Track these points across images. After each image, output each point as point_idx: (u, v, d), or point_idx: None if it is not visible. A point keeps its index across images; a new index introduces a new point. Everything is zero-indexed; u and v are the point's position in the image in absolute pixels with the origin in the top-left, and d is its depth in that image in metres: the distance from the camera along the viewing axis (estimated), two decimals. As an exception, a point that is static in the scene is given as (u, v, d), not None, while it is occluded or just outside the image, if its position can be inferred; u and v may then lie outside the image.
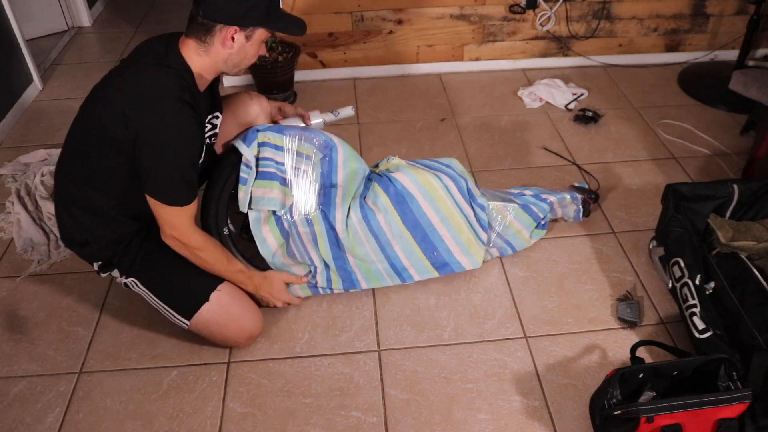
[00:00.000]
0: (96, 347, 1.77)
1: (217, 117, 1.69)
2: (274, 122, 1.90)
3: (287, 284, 1.81)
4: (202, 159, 1.61)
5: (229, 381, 1.67)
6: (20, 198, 2.26)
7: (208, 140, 1.66)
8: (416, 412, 1.59)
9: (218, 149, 1.83)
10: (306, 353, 1.74)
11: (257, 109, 1.81)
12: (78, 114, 1.58)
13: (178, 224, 1.53)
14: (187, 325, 1.67)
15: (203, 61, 1.51)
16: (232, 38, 1.48)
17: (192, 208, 1.54)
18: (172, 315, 1.67)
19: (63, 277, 2.00)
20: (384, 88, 2.98)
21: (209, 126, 1.66)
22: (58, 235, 2.13)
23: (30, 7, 3.36)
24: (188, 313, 1.65)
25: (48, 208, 2.23)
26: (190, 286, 1.66)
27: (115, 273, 1.70)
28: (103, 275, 1.73)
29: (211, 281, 1.66)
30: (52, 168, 2.41)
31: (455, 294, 1.91)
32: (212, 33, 1.47)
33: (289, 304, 1.83)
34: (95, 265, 1.71)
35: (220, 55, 1.50)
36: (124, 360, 1.74)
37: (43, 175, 2.37)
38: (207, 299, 1.64)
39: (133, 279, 1.68)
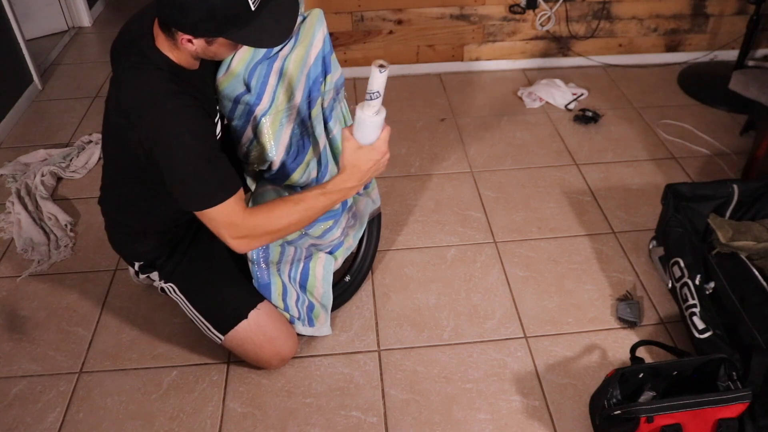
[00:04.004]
0: (96, 347, 1.77)
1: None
2: None
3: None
4: (220, 136, 1.50)
5: (229, 381, 1.67)
6: (20, 198, 2.26)
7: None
8: (416, 412, 1.59)
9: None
10: (306, 353, 1.74)
11: None
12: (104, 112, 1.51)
13: (229, 221, 1.34)
14: (221, 339, 1.62)
15: (179, 54, 1.34)
16: (191, 42, 1.29)
17: (235, 200, 1.35)
18: (207, 328, 1.62)
19: (63, 277, 2.00)
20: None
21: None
22: (58, 235, 2.13)
23: (30, 7, 3.36)
24: (224, 328, 1.59)
25: (48, 208, 2.23)
26: (229, 300, 1.60)
27: (155, 276, 1.66)
28: (141, 277, 1.68)
29: (251, 298, 1.61)
30: (53, 168, 2.41)
31: (455, 294, 1.91)
32: (172, 33, 1.29)
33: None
34: (136, 265, 1.67)
35: (189, 50, 1.32)
36: (124, 360, 1.74)
37: (43, 175, 2.37)
38: (245, 316, 1.58)
39: (172, 285, 1.63)
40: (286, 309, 1.68)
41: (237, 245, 1.38)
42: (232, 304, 1.60)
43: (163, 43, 1.33)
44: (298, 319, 1.71)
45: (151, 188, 1.49)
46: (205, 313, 1.61)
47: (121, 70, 1.35)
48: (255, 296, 1.62)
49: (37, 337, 1.80)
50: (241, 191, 1.37)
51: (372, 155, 1.38)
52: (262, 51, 1.56)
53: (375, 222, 2.02)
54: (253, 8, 1.24)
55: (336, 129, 1.77)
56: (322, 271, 1.75)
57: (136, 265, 1.67)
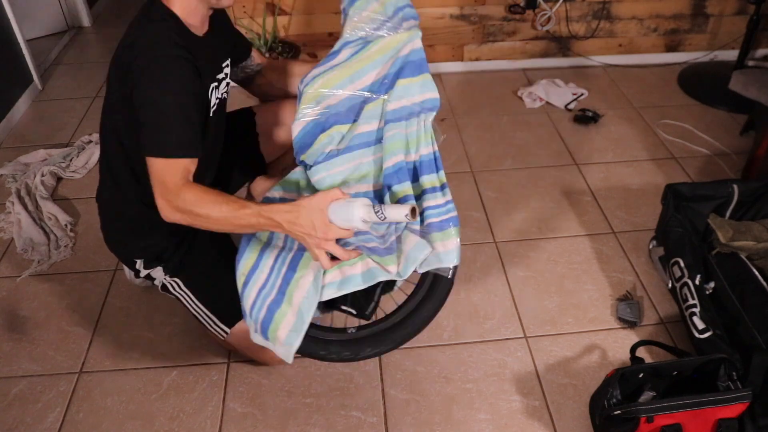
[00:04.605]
0: (96, 347, 1.77)
1: (227, 65, 1.60)
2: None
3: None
4: (213, 112, 1.50)
5: (229, 381, 1.67)
6: (20, 198, 2.26)
7: (225, 92, 1.57)
8: (416, 412, 1.59)
9: (267, 151, 1.77)
10: (306, 353, 1.74)
11: None
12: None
13: (165, 180, 1.30)
14: (226, 334, 1.59)
15: (180, 2, 1.40)
16: None
17: (184, 164, 1.32)
18: (212, 323, 1.59)
19: (63, 277, 2.00)
20: (384, 88, 2.98)
21: (224, 76, 1.57)
22: (58, 235, 2.13)
23: (30, 7, 3.36)
24: (231, 321, 1.57)
25: (48, 208, 2.23)
26: (236, 292, 1.49)
27: (157, 273, 1.62)
28: (142, 275, 1.64)
29: None
30: (53, 168, 2.41)
31: (455, 294, 1.91)
32: None
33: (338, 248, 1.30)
34: (138, 263, 1.62)
35: None
36: (124, 360, 1.74)
37: (43, 175, 2.37)
38: None
39: (177, 279, 1.60)
40: (243, 288, 1.44)
41: (161, 206, 1.33)
42: (239, 297, 1.55)
43: None
44: (250, 316, 1.41)
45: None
46: (212, 307, 1.58)
47: (128, 31, 1.39)
48: None
49: (37, 337, 1.80)
50: (195, 161, 1.34)
51: (319, 227, 1.26)
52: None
53: (435, 287, 1.41)
54: None
55: (394, 154, 1.45)
56: (313, 274, 1.39)
57: (138, 262, 1.64)
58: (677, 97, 2.89)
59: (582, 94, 2.86)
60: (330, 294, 1.37)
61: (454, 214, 1.38)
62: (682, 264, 1.75)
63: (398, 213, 1.21)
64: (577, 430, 1.55)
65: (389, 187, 1.41)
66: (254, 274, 1.43)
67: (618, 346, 1.75)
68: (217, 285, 1.58)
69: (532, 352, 1.73)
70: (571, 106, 2.80)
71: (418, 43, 1.47)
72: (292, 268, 1.40)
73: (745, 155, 2.40)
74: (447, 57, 3.07)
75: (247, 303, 1.41)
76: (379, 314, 1.42)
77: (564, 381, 1.66)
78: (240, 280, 1.44)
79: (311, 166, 1.50)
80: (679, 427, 1.41)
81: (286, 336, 1.35)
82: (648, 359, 1.67)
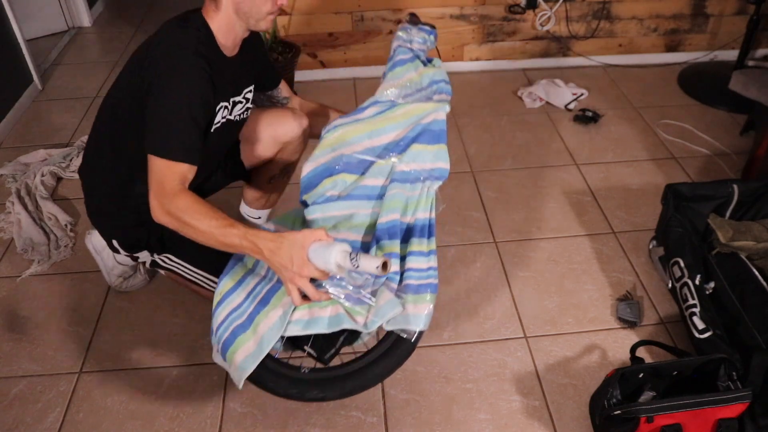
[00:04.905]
0: (96, 347, 1.77)
1: (250, 91, 1.65)
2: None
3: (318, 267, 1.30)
4: (215, 129, 1.52)
5: (229, 381, 1.67)
6: (20, 198, 2.27)
7: (239, 115, 1.61)
8: (416, 412, 1.59)
9: (247, 158, 1.78)
10: (306, 353, 1.74)
11: (296, 128, 1.74)
12: (107, 93, 1.58)
13: (163, 181, 1.34)
14: None
15: (219, 18, 1.46)
16: None
17: (183, 170, 1.36)
18: (210, 282, 1.61)
19: (63, 277, 2.00)
20: (384, 88, 2.98)
21: (243, 101, 1.61)
22: (58, 235, 2.14)
23: (30, 7, 3.36)
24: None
25: (48, 208, 2.24)
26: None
27: (144, 255, 1.65)
28: (123, 254, 1.68)
29: None
30: (53, 168, 2.41)
31: (455, 294, 1.91)
32: None
33: (315, 284, 1.33)
34: (116, 243, 1.65)
35: (229, 6, 1.44)
36: (124, 360, 1.74)
37: (43, 175, 2.37)
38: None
39: (167, 255, 1.62)
40: (217, 306, 1.45)
41: (153, 206, 1.35)
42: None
43: (207, 10, 1.45)
44: (215, 335, 1.42)
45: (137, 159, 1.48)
46: (208, 267, 1.57)
47: (159, 30, 1.44)
48: None
49: (37, 337, 1.80)
50: (193, 169, 1.38)
51: (296, 262, 1.26)
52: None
53: (396, 347, 1.39)
54: None
55: (391, 211, 1.47)
56: (283, 310, 1.39)
57: (115, 243, 1.65)
58: (677, 97, 2.89)
59: (582, 94, 2.86)
60: (295, 331, 1.37)
61: (434, 281, 1.39)
62: (682, 264, 1.75)
63: (371, 264, 1.21)
64: (577, 430, 1.55)
65: (378, 241, 1.43)
66: (230, 296, 1.46)
67: (618, 346, 1.75)
68: (206, 248, 1.53)
69: (532, 352, 1.73)
70: (571, 106, 2.80)
71: (441, 115, 1.52)
72: (266, 299, 1.42)
73: (745, 155, 2.40)
74: (447, 57, 3.07)
75: (215, 321, 1.43)
76: (337, 361, 1.43)
77: (564, 381, 1.66)
78: (216, 299, 1.46)
79: (309, 206, 1.54)
80: (679, 427, 1.41)
81: (242, 360, 1.36)
82: (648, 359, 1.67)
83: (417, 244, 1.43)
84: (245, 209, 1.95)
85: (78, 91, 3.04)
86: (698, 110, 2.79)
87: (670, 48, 3.14)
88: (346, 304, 1.36)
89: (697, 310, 1.64)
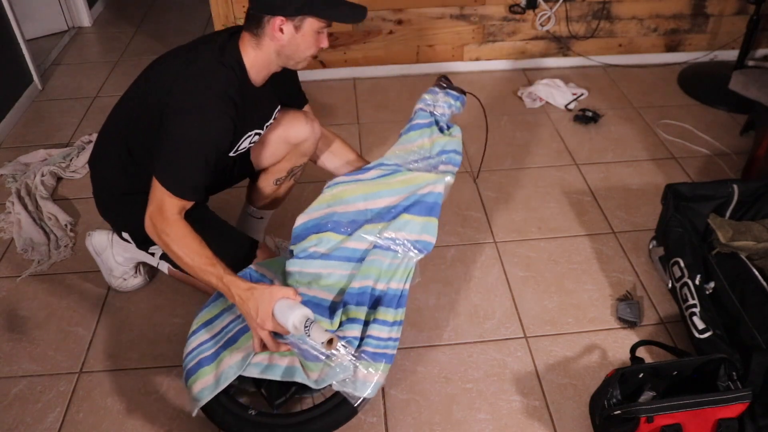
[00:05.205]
0: (96, 347, 1.77)
1: (279, 110, 1.70)
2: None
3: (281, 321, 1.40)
4: (243, 151, 1.63)
5: (229, 381, 1.67)
6: (20, 198, 2.27)
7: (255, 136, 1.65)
8: (416, 412, 1.59)
9: (256, 159, 1.80)
10: (306, 353, 1.74)
11: (307, 131, 1.74)
12: (128, 89, 1.61)
13: (162, 206, 1.42)
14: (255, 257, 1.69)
15: (256, 55, 1.49)
16: (281, 29, 1.43)
17: (183, 203, 1.45)
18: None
19: (63, 277, 2.00)
20: (384, 88, 2.98)
21: (271, 120, 1.68)
22: (58, 235, 2.13)
23: (30, 7, 3.36)
24: (252, 247, 1.69)
25: (48, 208, 2.24)
26: (236, 235, 1.70)
27: (157, 248, 1.72)
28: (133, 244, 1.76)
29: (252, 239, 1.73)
30: (53, 168, 2.41)
31: (455, 294, 1.91)
32: (262, 25, 1.44)
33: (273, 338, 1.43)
34: (126, 236, 1.73)
35: (271, 47, 1.47)
36: (124, 360, 1.74)
37: (43, 175, 2.37)
38: (258, 247, 1.68)
39: None
40: (192, 334, 1.53)
41: (147, 223, 1.45)
42: (242, 238, 1.69)
43: (245, 43, 1.48)
44: (184, 360, 1.50)
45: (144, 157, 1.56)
46: (220, 253, 1.58)
47: (196, 53, 1.47)
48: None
49: (37, 337, 1.80)
50: (191, 203, 1.47)
51: (261, 314, 1.36)
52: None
53: (338, 409, 1.43)
54: None
55: (376, 279, 1.52)
56: (247, 351, 1.46)
57: (126, 235, 1.72)
58: (677, 97, 2.89)
59: (582, 94, 2.86)
60: (252, 373, 1.44)
61: (392, 352, 1.44)
62: (682, 264, 1.75)
63: (320, 336, 1.30)
64: (577, 430, 1.55)
65: (345, 305, 1.49)
66: (205, 328, 1.54)
67: (618, 346, 1.75)
68: (217, 234, 1.62)
69: (532, 352, 1.73)
70: (571, 106, 2.80)
71: (439, 188, 1.56)
72: (235, 338, 1.50)
73: (745, 155, 2.40)
74: (447, 57, 3.07)
75: (187, 348, 1.52)
76: (290, 407, 1.53)
77: (564, 381, 1.66)
78: (193, 326, 1.55)
79: (292, 257, 1.59)
80: (679, 427, 1.41)
81: (198, 391, 1.44)
82: (648, 359, 1.67)
83: (383, 313, 1.47)
84: (249, 208, 1.96)
85: (78, 91, 3.04)
86: (698, 110, 2.79)
87: (670, 48, 3.14)
88: (302, 358, 1.43)
89: (697, 310, 1.64)
